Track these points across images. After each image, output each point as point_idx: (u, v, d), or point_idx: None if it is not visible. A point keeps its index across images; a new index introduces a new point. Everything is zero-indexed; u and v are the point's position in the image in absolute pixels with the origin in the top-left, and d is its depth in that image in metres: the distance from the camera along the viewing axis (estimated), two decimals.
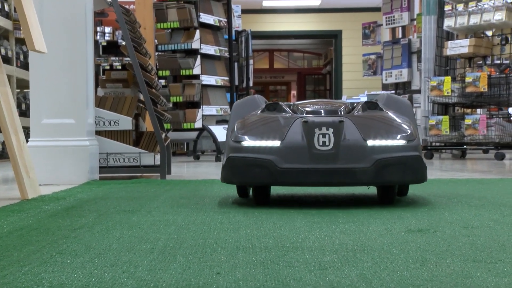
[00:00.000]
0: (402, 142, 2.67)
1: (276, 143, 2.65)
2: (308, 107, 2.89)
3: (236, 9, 10.95)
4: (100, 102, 4.83)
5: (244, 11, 12.61)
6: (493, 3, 6.80)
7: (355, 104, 3.03)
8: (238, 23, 10.86)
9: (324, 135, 2.63)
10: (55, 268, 1.57)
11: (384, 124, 2.74)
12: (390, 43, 9.98)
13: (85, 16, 4.32)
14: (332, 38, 15.14)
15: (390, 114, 2.87)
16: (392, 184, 2.73)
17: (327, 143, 2.62)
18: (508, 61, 7.20)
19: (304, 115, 2.79)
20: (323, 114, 2.78)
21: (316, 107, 2.88)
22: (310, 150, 2.63)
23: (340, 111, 2.82)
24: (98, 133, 4.68)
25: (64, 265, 1.61)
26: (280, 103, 2.95)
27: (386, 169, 2.61)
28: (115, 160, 4.69)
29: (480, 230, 2.09)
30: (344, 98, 13.01)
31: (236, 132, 2.75)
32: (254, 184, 2.76)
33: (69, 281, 1.44)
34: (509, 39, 7.08)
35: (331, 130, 2.63)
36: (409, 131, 2.71)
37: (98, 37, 9.70)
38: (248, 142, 2.69)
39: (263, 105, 3.04)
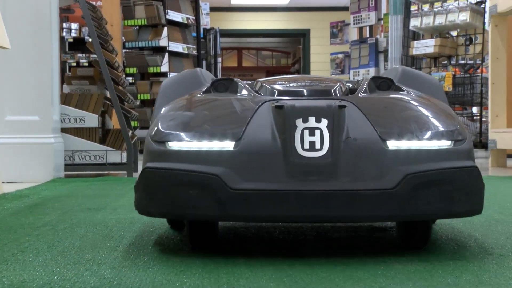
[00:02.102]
0: (446, 144, 1.66)
1: (228, 145, 1.61)
2: (282, 84, 1.85)
3: (204, 6, 10.92)
4: (65, 99, 4.78)
5: (213, 9, 12.59)
6: (458, 4, 6.90)
7: (356, 82, 2.02)
8: (206, 21, 10.84)
9: (312, 131, 1.60)
10: (16, 267, 1.55)
11: (413, 113, 1.73)
12: (357, 42, 10.07)
13: (50, 12, 4.26)
14: (301, 37, 15.22)
15: (418, 96, 1.87)
16: (433, 218, 1.72)
17: (317, 146, 1.59)
18: (472, 61, 7.31)
19: (276, 96, 1.76)
20: (307, 95, 1.76)
21: (296, 84, 1.88)
22: (288, 157, 1.58)
23: (335, 91, 1.78)
24: (64, 130, 4.63)
25: (25, 264, 1.59)
26: (235, 79, 1.89)
27: (422, 192, 1.59)
28: (80, 157, 4.64)
29: None
30: None
31: (159, 127, 1.70)
32: (187, 218, 1.69)
33: (30, 279, 1.43)
34: (473, 39, 7.20)
35: (324, 122, 1.60)
36: (456, 126, 1.70)
37: (64, 34, 9.59)
38: (178, 143, 1.64)
39: (208, 83, 1.97)
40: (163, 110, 1.82)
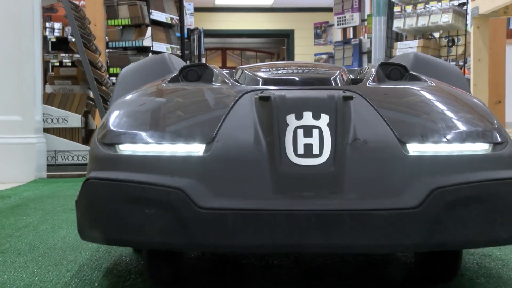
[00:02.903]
0: (483, 148, 1.31)
1: (196, 149, 1.27)
2: (268, 72, 1.52)
3: (188, 7, 10.90)
4: (48, 99, 4.76)
5: (197, 9, 12.57)
6: (441, 6, 6.95)
7: (358, 71, 1.73)
8: (190, 21, 10.82)
9: (308, 131, 1.26)
10: None
11: (439, 108, 1.38)
12: (341, 43, 10.10)
13: (32, 11, 4.24)
14: (285, 38, 15.24)
15: (442, 86, 1.52)
16: (469, 247, 1.35)
17: (315, 150, 1.25)
18: (454, 62, 7.37)
19: (261, 86, 1.41)
20: (301, 85, 1.42)
21: (285, 71, 1.53)
22: (276, 166, 1.25)
23: (335, 79, 1.44)
24: (46, 130, 4.60)
25: (6, 265, 1.58)
26: (211, 66, 1.54)
27: (455, 213, 1.25)
28: (63, 158, 4.62)
29: None
30: None
31: (108, 125, 1.36)
32: (142, 247, 1.35)
33: (11, 280, 1.42)
34: (456, 41, 7.26)
35: (324, 118, 1.26)
36: (493, 124, 1.36)
37: (47, 33, 9.52)
38: (131, 146, 1.31)
39: (176, 70, 1.62)
40: (115, 103, 1.45)
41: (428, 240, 1.23)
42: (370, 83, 1.45)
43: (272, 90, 1.34)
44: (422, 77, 1.53)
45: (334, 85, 1.41)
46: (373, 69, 1.53)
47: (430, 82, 1.51)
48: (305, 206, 1.22)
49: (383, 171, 1.24)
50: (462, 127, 1.31)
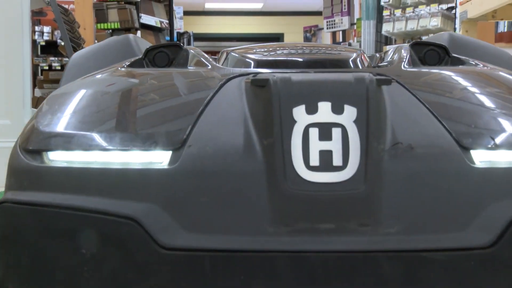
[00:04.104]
0: None
1: (159, 158, 0.88)
2: (263, 53, 1.13)
3: (178, 10, 10.91)
4: (37, 103, 4.74)
5: (186, 13, 12.57)
6: (429, 10, 7.00)
7: (378, 57, 1.35)
8: (180, 25, 10.83)
9: (326, 131, 0.84)
10: None
11: (506, 99, 0.99)
12: None
13: (21, 14, 4.22)
14: (274, 41, 15.29)
15: (501, 71, 1.12)
16: None
17: (336, 160, 0.85)
18: None
19: (254, 69, 1.04)
20: (308, 68, 1.02)
21: (287, 52, 1.14)
22: (279, 182, 0.85)
23: (355, 61, 1.10)
24: None
25: None
26: (186, 47, 1.20)
27: None
28: None
29: None
30: None
31: (35, 125, 0.97)
32: None
33: None
34: None
35: (350, 112, 0.84)
36: None
37: (36, 37, 9.49)
38: (65, 154, 0.90)
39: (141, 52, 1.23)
40: (48, 97, 1.07)
41: None
42: (405, 66, 1.06)
43: (271, 73, 0.93)
44: (470, 60, 1.16)
45: (352, 68, 1.02)
46: (404, 51, 1.15)
47: (483, 66, 1.13)
48: (321, 246, 0.81)
49: (438, 191, 0.84)
50: None
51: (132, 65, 1.12)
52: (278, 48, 1.18)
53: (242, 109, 0.89)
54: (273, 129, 0.83)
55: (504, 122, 0.90)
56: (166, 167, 0.85)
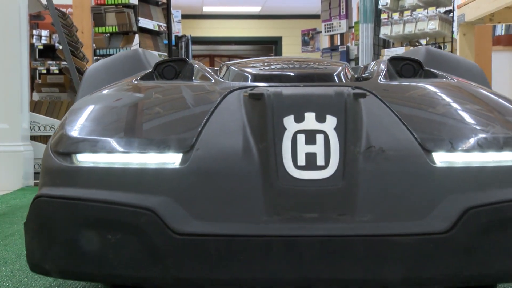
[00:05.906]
0: None
1: (171, 159, 1.08)
2: (259, 67, 1.32)
3: (176, 14, 10.91)
4: (35, 107, 4.74)
5: (184, 16, 12.58)
6: (427, 13, 7.01)
7: (362, 69, 1.51)
8: (178, 28, 10.83)
9: (311, 137, 1.04)
10: None
11: (469, 109, 1.16)
12: (329, 50, 10.14)
13: (19, 18, 4.22)
14: (272, 45, 15.28)
15: (467, 84, 1.30)
16: (507, 281, 1.09)
17: (319, 161, 1.04)
18: None
19: (251, 83, 1.23)
20: (299, 81, 1.22)
21: (280, 67, 1.32)
22: (271, 180, 1.04)
23: (339, 76, 1.27)
24: (33, 138, 4.58)
25: None
26: (191, 61, 1.35)
27: (496, 238, 1.03)
28: None
29: None
30: None
31: (64, 131, 1.15)
32: (105, 281, 1.12)
33: None
34: (442, 48, 7.31)
35: (331, 121, 1.04)
36: None
37: (34, 41, 9.50)
38: (91, 156, 1.10)
39: (151, 67, 1.38)
40: (74, 105, 1.25)
41: (460, 272, 1.00)
42: (381, 79, 1.23)
43: (265, 87, 1.11)
44: (441, 73, 1.32)
45: (338, 82, 1.20)
46: (382, 65, 1.30)
47: (451, 79, 1.29)
48: (307, 231, 1.00)
49: (404, 186, 1.01)
50: (498, 132, 1.07)
51: (144, 78, 1.32)
52: (272, 63, 1.37)
53: (241, 118, 1.09)
54: (267, 135, 1.04)
55: (462, 129, 1.08)
56: (177, 167, 1.05)
